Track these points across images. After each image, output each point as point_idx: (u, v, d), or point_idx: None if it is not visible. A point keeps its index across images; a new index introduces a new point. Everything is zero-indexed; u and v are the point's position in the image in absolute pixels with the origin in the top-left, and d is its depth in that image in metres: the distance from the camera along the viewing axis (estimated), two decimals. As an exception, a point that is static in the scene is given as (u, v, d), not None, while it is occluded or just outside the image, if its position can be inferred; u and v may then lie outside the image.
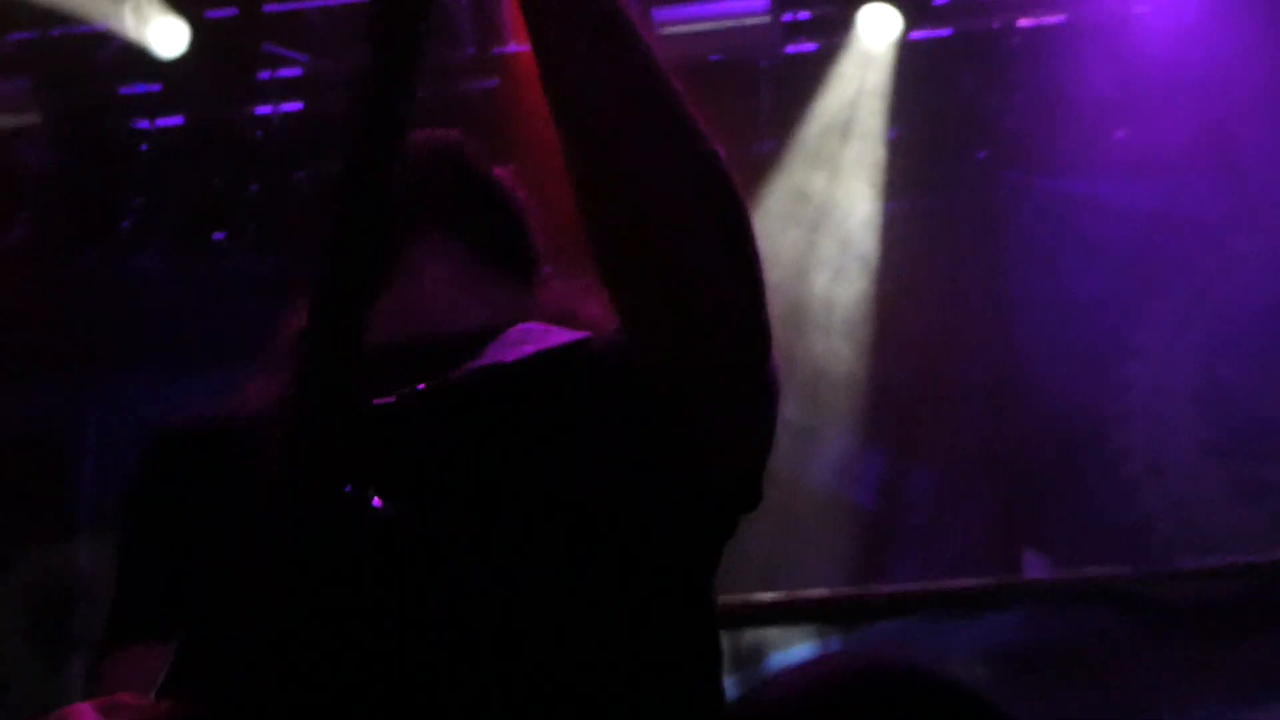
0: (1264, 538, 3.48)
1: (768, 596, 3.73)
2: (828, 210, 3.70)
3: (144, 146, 3.97)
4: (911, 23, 3.61)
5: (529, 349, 1.14)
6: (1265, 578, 3.38)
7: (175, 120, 4.02)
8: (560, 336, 1.15)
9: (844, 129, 3.74)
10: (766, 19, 3.72)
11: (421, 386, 1.09)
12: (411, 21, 0.91)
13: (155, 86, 4.03)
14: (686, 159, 0.96)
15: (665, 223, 0.96)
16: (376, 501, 1.01)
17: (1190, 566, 3.50)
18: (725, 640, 1.13)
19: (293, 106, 3.75)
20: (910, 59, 3.70)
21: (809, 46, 3.82)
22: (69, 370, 3.95)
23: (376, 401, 1.05)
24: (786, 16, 3.74)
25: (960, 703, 1.02)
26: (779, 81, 3.74)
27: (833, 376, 3.44)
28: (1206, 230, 3.61)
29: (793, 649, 3.60)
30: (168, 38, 3.76)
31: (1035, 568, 3.66)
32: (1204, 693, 3.39)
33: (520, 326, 1.18)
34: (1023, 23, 3.64)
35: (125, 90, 4.09)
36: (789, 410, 1.15)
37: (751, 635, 3.59)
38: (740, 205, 0.97)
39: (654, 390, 1.03)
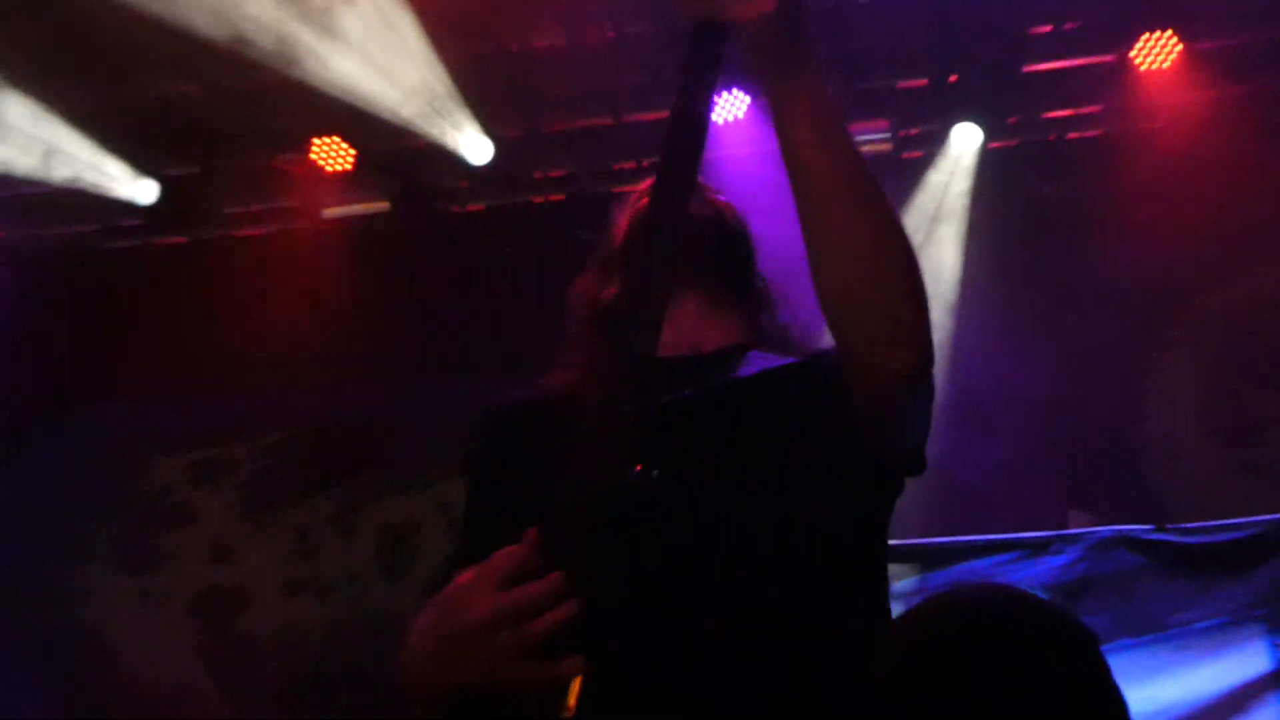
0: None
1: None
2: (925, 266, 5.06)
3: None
4: (990, 136, 4.74)
5: (758, 367, 1.52)
6: (1244, 531, 4.35)
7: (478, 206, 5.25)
8: (779, 360, 1.53)
9: (936, 212, 4.83)
10: (888, 135, 4.81)
11: (687, 393, 1.44)
12: (700, 137, 1.29)
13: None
14: (886, 226, 1.29)
15: (873, 270, 1.28)
16: (654, 476, 1.34)
17: (1189, 524, 4.45)
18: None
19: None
20: (988, 162, 4.78)
21: (916, 154, 4.86)
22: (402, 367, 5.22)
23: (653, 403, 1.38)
24: (901, 133, 4.83)
25: (1049, 611, 1.19)
26: (894, 178, 4.74)
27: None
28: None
29: (899, 583, 4.82)
30: (477, 148, 5.05)
31: (1078, 522, 4.61)
32: (1197, 609, 4.31)
33: (751, 353, 1.55)
34: (1071, 135, 4.82)
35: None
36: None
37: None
38: (916, 259, 1.30)
39: (856, 394, 1.35)
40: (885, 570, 1.52)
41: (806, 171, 1.29)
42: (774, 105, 1.31)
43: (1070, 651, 1.13)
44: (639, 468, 1.33)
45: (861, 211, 1.28)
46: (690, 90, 1.33)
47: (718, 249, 1.56)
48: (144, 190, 5.32)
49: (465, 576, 1.29)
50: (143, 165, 5.28)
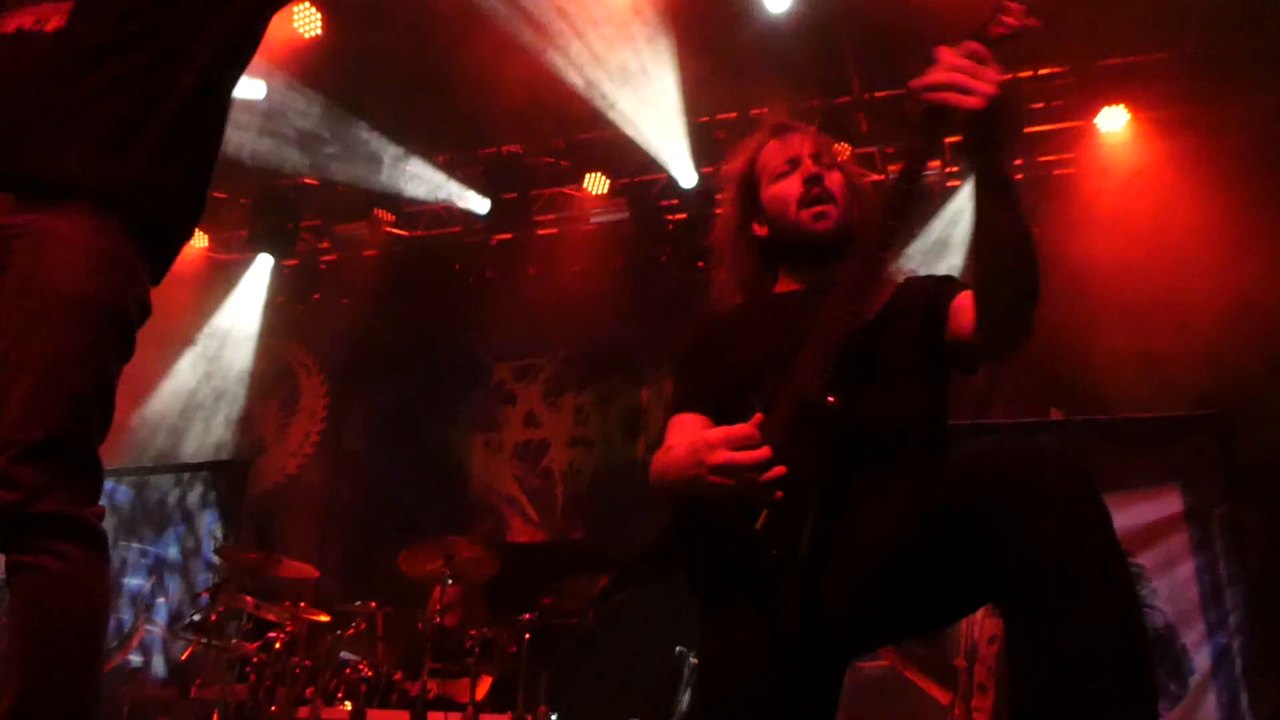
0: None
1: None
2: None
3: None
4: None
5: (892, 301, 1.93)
6: (1164, 422, 5.72)
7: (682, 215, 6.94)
8: (907, 294, 1.95)
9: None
10: (939, 170, 6.36)
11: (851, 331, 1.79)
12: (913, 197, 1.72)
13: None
14: (1029, 260, 1.68)
15: (1020, 290, 1.70)
16: (830, 400, 1.72)
17: (1130, 416, 5.78)
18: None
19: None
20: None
21: (956, 183, 6.34)
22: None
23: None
24: (947, 169, 6.33)
25: (1069, 455, 1.45)
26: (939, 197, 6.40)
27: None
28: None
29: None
30: (685, 175, 6.55)
31: (1056, 415, 6.02)
32: (1133, 471, 5.59)
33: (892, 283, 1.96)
34: (1057, 172, 6.33)
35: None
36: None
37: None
38: (1039, 278, 1.69)
39: (976, 346, 1.79)
40: (948, 425, 1.93)
41: (989, 223, 1.67)
42: (976, 169, 1.67)
43: (1075, 467, 1.44)
44: (830, 400, 1.70)
45: (1020, 255, 1.67)
46: (916, 162, 1.74)
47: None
48: (482, 205, 7.33)
49: (714, 432, 1.76)
50: (484, 191, 7.28)
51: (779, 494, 1.68)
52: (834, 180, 2.07)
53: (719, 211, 2.21)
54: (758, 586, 1.70)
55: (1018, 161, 6.46)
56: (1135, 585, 1.48)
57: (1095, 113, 6.25)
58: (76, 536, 1.77)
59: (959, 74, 1.65)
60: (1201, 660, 5.10)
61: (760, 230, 2.13)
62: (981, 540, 1.46)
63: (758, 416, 1.73)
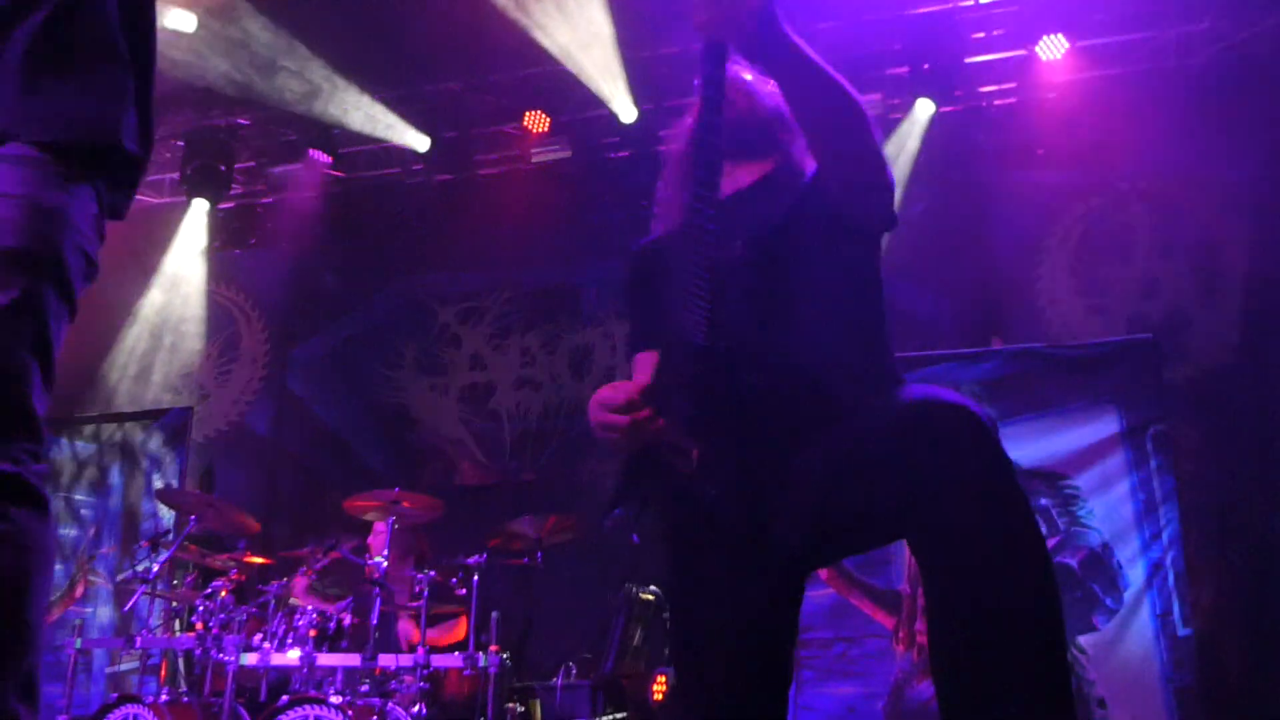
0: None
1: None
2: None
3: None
4: (942, 104, 6.20)
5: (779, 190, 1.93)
6: (1102, 348, 5.70)
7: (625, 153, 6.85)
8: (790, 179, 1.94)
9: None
10: (879, 103, 6.27)
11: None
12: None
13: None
14: (844, 100, 1.74)
15: (837, 128, 1.76)
16: (740, 250, 1.79)
17: (1067, 344, 5.85)
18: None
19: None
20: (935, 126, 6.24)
21: (898, 115, 6.32)
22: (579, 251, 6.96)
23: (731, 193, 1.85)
24: (888, 102, 6.30)
25: (970, 410, 1.53)
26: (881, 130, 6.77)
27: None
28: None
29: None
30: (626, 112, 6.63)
31: (997, 344, 6.05)
32: (1071, 394, 5.62)
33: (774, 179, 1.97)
34: (996, 103, 6.35)
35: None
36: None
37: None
38: (863, 112, 1.74)
39: (840, 200, 1.81)
40: (886, 321, 1.93)
41: (794, 95, 1.76)
42: (765, 68, 1.77)
43: (974, 423, 1.52)
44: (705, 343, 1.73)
45: (830, 100, 1.74)
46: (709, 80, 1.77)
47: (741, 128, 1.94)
48: (421, 143, 7.11)
49: (601, 390, 1.80)
50: (426, 129, 7.10)
51: (693, 450, 1.73)
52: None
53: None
54: (704, 521, 1.75)
55: (957, 92, 6.41)
56: (1035, 523, 1.52)
57: (1035, 42, 6.17)
58: (16, 495, 1.69)
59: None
60: (1136, 575, 5.23)
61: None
62: (893, 485, 1.54)
63: (654, 358, 1.79)
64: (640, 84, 6.74)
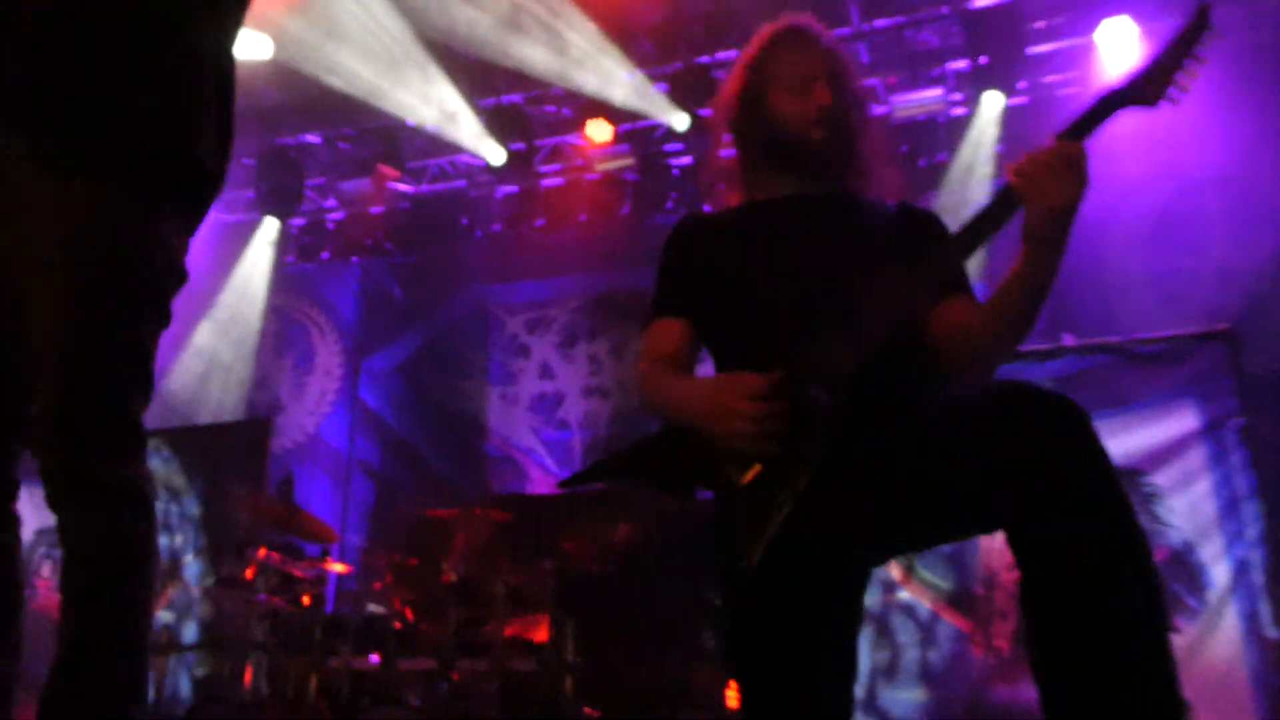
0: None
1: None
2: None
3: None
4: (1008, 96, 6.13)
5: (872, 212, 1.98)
6: (1175, 342, 5.62)
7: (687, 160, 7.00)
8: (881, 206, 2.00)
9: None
10: (941, 98, 6.31)
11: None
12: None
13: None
14: (1029, 326, 1.75)
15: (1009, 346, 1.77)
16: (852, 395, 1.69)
17: (1140, 336, 5.67)
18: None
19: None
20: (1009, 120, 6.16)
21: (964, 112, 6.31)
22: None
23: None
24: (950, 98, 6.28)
25: (1057, 398, 1.50)
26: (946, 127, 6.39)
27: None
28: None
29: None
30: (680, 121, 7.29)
31: (1068, 340, 5.91)
32: (1148, 389, 5.49)
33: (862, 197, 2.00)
34: (1061, 93, 6.20)
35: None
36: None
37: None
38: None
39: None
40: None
41: (1014, 295, 1.72)
42: (1028, 255, 1.69)
43: (1071, 415, 1.49)
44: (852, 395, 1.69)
45: (1028, 322, 1.75)
46: (978, 226, 1.73)
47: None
48: (497, 155, 7.17)
49: (739, 381, 1.74)
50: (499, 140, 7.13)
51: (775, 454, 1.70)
52: (844, 107, 2.04)
53: (716, 102, 2.17)
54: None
55: (1020, 84, 6.31)
56: (1132, 512, 1.47)
57: (1096, 27, 6.05)
58: (123, 500, 1.78)
59: (1046, 174, 1.66)
60: (1220, 574, 5.06)
61: (754, 134, 2.09)
62: (992, 474, 1.50)
63: (776, 375, 1.73)
64: (696, 88, 6.70)
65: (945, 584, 4.07)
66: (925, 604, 4.18)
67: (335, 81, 6.46)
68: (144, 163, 1.85)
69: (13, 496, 1.92)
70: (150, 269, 1.85)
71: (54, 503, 1.76)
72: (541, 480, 7.11)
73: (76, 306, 1.76)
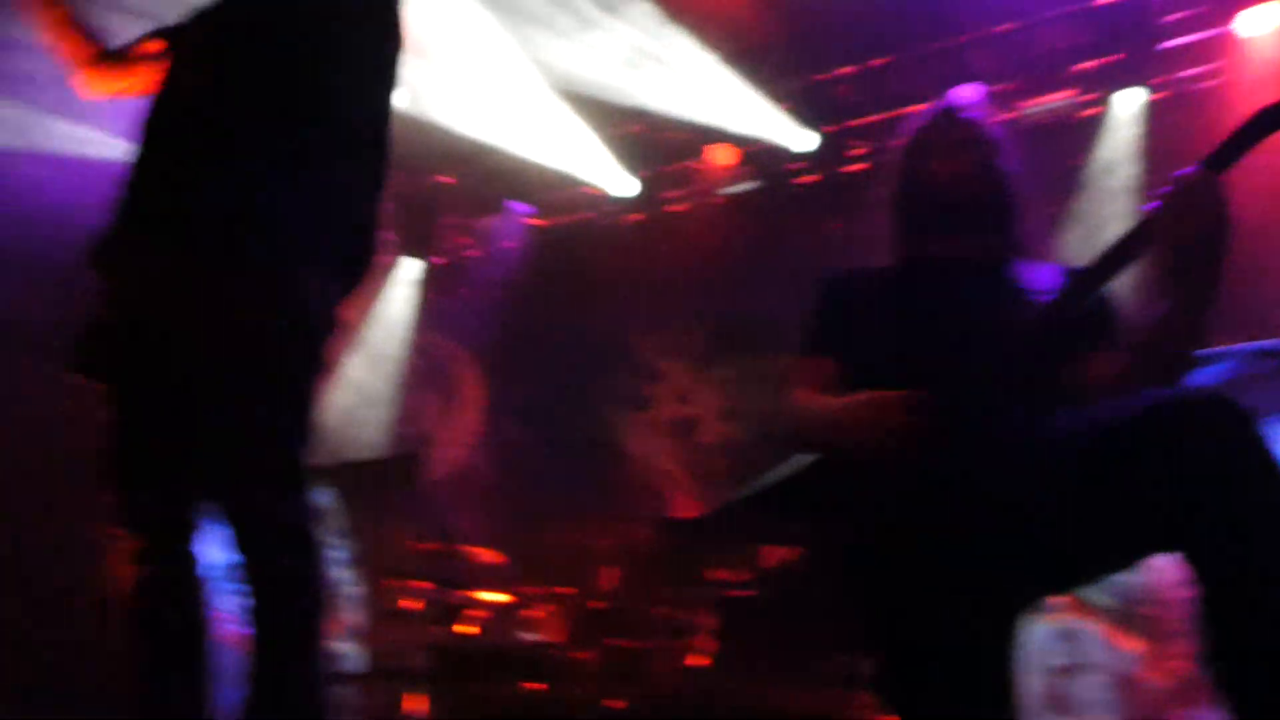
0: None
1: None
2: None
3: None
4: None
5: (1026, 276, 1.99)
6: None
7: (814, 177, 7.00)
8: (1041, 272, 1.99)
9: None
10: (1074, 102, 6.11)
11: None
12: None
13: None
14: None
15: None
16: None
17: None
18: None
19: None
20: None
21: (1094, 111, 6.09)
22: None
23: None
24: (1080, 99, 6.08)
25: (1214, 401, 1.46)
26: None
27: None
28: None
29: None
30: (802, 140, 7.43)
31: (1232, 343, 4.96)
32: None
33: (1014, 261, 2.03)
34: (1202, 85, 5.99)
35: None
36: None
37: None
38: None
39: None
40: None
41: (1164, 337, 1.70)
42: (1172, 293, 1.66)
43: (1235, 417, 1.45)
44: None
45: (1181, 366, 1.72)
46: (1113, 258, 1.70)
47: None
48: (622, 185, 7.46)
49: (889, 394, 1.76)
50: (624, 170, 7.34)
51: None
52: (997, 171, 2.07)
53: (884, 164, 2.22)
54: (930, 534, 1.72)
55: (1153, 80, 6.11)
56: None
57: (1234, 16, 5.82)
58: (293, 538, 1.92)
59: (1183, 208, 1.64)
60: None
61: (909, 194, 2.14)
62: (1148, 492, 1.47)
63: (923, 395, 1.73)
64: (821, 106, 6.76)
65: (1112, 605, 3.96)
66: (1092, 628, 4.06)
67: (465, 128, 6.68)
68: (301, 228, 2.00)
69: (191, 537, 2.06)
70: (307, 320, 1.99)
71: (232, 543, 1.91)
72: (684, 504, 7.15)
73: (241, 359, 1.91)
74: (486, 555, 5.28)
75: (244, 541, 1.92)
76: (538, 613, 5.12)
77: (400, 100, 2.26)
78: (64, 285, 2.19)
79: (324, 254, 2.03)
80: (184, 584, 2.03)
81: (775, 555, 4.73)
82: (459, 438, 8.09)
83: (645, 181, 7.40)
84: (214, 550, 2.05)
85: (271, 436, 1.94)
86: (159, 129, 2.09)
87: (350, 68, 2.15)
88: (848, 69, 6.73)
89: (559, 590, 5.20)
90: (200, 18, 2.23)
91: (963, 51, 6.40)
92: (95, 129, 5.74)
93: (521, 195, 7.64)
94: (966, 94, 2.13)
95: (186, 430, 1.96)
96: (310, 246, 2.02)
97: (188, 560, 2.04)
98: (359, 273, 2.15)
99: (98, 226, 2.06)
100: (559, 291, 7.66)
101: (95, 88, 2.31)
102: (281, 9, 2.14)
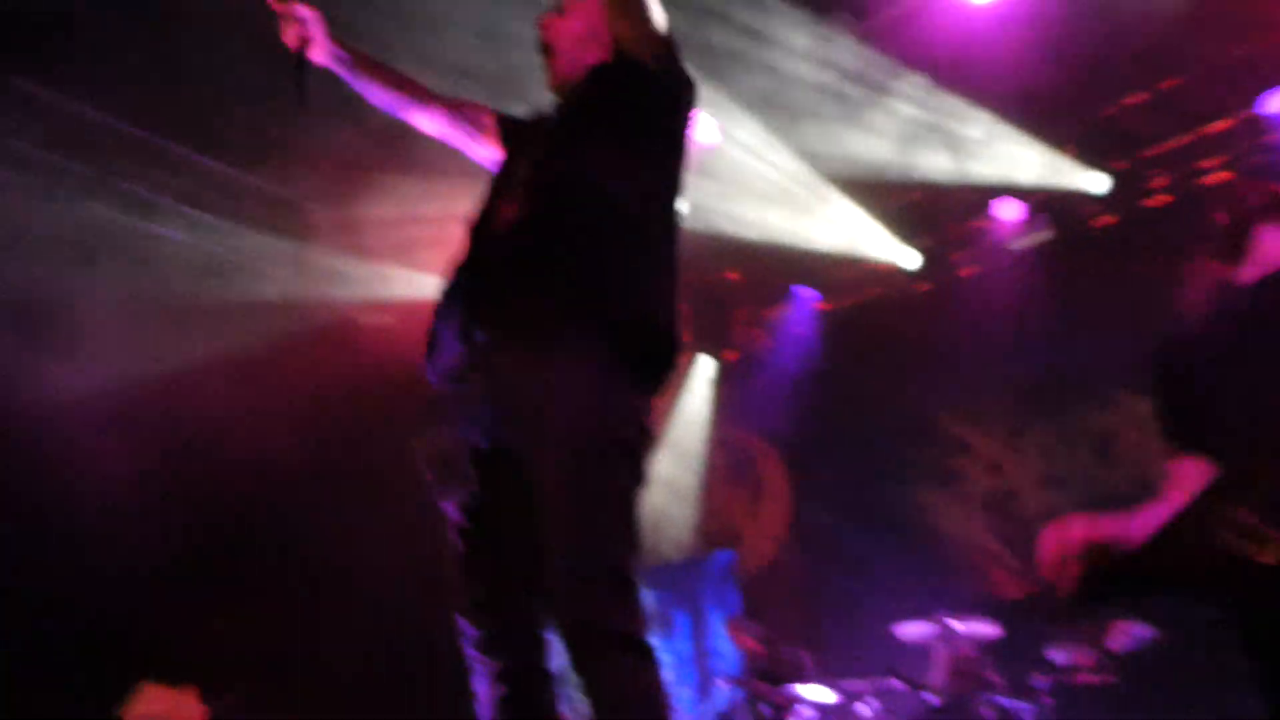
0: None
1: None
2: None
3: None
4: None
5: None
6: None
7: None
8: None
9: None
10: None
11: None
12: None
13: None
14: None
15: None
16: None
17: None
18: None
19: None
20: None
21: None
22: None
23: None
24: None
25: None
26: None
27: None
28: None
29: None
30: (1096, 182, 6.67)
31: None
32: None
33: None
34: None
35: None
36: None
37: None
38: None
39: None
40: None
41: None
42: None
43: None
44: None
45: None
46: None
47: None
48: (910, 259, 7.40)
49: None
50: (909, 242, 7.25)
51: None
52: None
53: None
54: None
55: None
56: None
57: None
58: (630, 649, 1.95)
59: None
60: None
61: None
62: None
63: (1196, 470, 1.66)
64: (1109, 141, 6.43)
65: None
66: None
67: (747, 230, 6.82)
68: (614, 340, 2.05)
69: (543, 653, 2.12)
70: (626, 432, 2.03)
71: (570, 656, 1.94)
72: (1011, 584, 6.76)
73: (567, 474, 1.96)
74: (807, 650, 5.19)
75: (581, 652, 1.95)
76: (866, 710, 4.94)
77: (684, 207, 2.34)
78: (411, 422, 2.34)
79: (645, 358, 2.11)
80: (539, 700, 2.09)
81: (1124, 634, 4.39)
82: (768, 531, 8.09)
83: (929, 249, 7.26)
84: (555, 661, 2.12)
85: (601, 548, 1.97)
86: (487, 238, 2.22)
87: (662, 173, 2.27)
88: (1134, 98, 6.25)
89: (886, 684, 5.01)
90: (538, 121, 2.41)
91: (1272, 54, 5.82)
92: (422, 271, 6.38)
93: (807, 280, 7.67)
94: None
95: (529, 547, 2.02)
96: (636, 350, 2.09)
97: (542, 677, 2.10)
98: (666, 376, 2.19)
99: (436, 345, 2.19)
100: (855, 372, 7.56)
101: (425, 124, 2.45)
102: (608, 122, 2.26)
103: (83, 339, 5.28)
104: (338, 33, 2.47)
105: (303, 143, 5.37)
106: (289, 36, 2.33)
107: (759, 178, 6.39)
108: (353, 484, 5.85)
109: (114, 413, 5.24)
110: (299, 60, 2.31)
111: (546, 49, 2.44)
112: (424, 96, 2.47)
